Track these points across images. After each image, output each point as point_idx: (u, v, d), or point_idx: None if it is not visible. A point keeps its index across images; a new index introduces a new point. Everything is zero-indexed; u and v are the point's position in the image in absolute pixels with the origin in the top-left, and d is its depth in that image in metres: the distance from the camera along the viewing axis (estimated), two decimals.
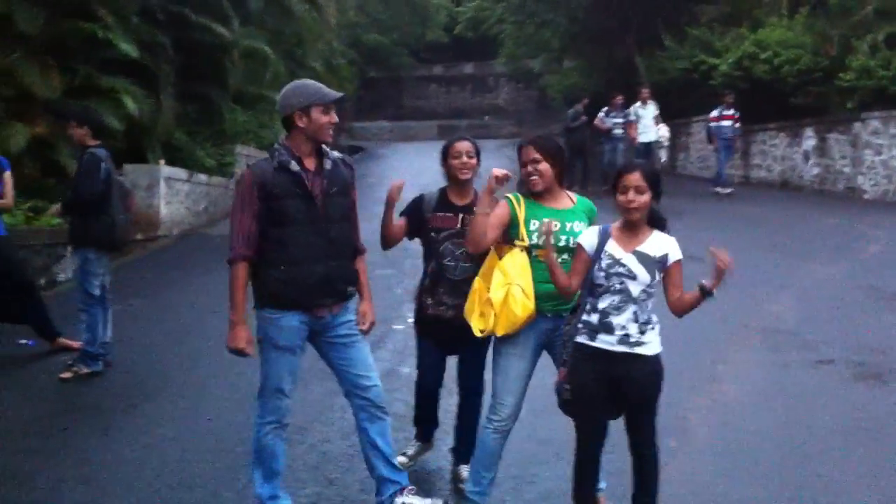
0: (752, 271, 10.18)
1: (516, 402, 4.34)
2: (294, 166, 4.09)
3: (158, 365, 7.20)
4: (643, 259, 3.95)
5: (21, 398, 6.44)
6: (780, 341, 7.71)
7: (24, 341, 7.64)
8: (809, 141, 17.20)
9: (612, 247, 3.99)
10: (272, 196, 4.05)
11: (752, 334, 7.94)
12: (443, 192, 4.85)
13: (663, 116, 17.71)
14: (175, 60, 15.10)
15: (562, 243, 4.20)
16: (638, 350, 3.96)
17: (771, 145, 18.46)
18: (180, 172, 14.71)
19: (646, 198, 3.93)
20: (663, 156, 18.40)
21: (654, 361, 4.02)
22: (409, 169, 21.28)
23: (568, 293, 4.11)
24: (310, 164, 4.17)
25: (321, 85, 4.25)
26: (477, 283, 4.36)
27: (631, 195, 3.92)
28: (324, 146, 4.23)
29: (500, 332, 4.22)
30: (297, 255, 4.11)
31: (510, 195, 4.34)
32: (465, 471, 4.85)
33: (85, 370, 6.80)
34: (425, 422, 5.16)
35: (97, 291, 6.84)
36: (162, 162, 14.14)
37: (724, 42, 19.24)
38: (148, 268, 11.61)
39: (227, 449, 5.41)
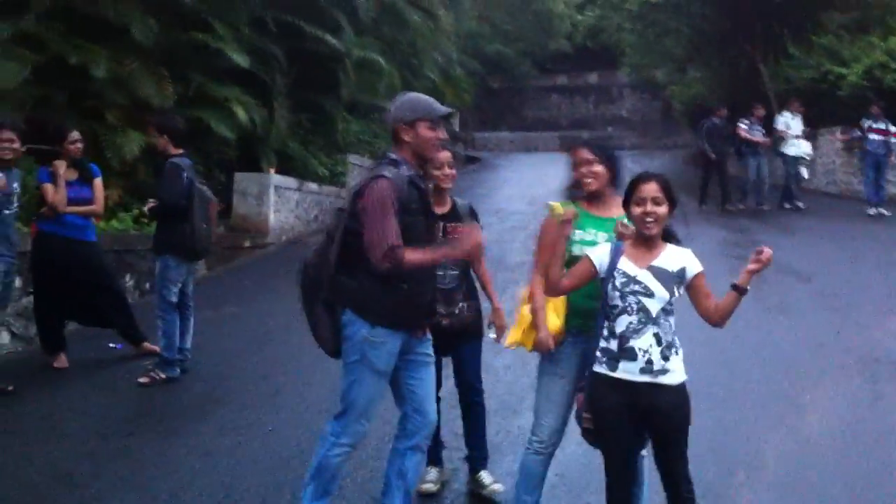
0: (862, 292, 9.67)
1: (557, 424, 4.20)
2: (422, 183, 4.08)
3: (234, 373, 7.30)
4: (659, 274, 3.74)
5: (98, 401, 6.61)
6: (878, 372, 7.21)
7: (112, 345, 7.84)
8: None
9: (626, 264, 3.80)
10: (406, 210, 3.94)
11: (848, 362, 7.47)
12: None
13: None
14: (288, 71, 15.37)
15: None
16: (662, 380, 3.73)
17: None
18: (290, 181, 14.95)
19: (664, 209, 3.75)
20: (805, 173, 17.44)
21: (680, 391, 3.78)
22: (521, 181, 21.15)
23: (556, 291, 3.96)
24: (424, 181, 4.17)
25: (431, 99, 4.18)
26: (522, 294, 4.37)
27: (649, 207, 3.73)
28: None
29: (529, 348, 4.21)
30: (420, 275, 4.03)
31: (557, 202, 4.15)
32: (485, 476, 4.90)
33: (162, 376, 6.92)
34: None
35: (174, 298, 6.96)
36: (272, 170, 14.40)
37: (853, 50, 18.33)
38: (249, 275, 11.81)
39: (279, 463, 5.41)
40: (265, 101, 14.56)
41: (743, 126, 16.69)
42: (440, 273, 4.59)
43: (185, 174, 6.86)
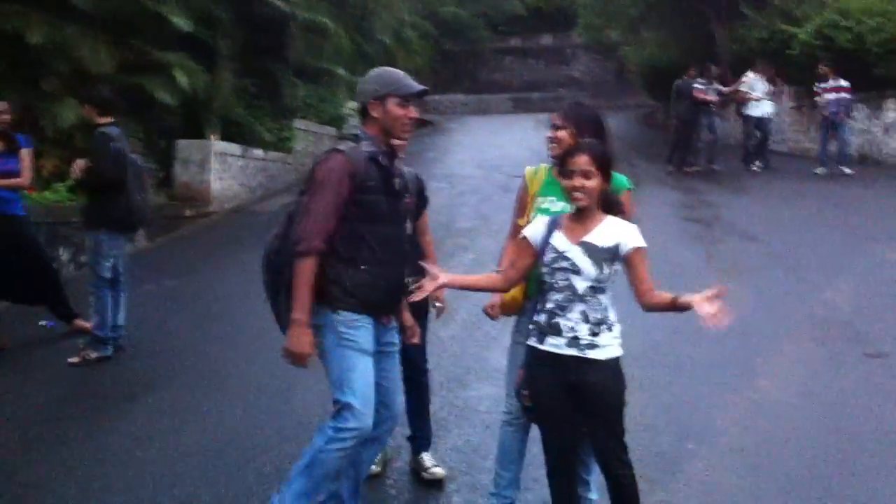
0: (809, 252, 9.63)
1: None
2: (383, 160, 3.78)
3: (172, 351, 7.02)
4: (589, 250, 3.55)
5: (28, 383, 6.33)
6: (829, 333, 7.15)
7: (43, 323, 7.55)
8: (891, 113, 16.18)
9: (558, 238, 3.62)
10: (364, 189, 3.69)
11: (800, 324, 7.39)
12: None
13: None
14: (234, 35, 14.94)
15: None
16: (590, 354, 3.55)
17: (850, 117, 17.46)
18: (234, 147, 14.60)
19: (594, 182, 3.54)
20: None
21: (611, 366, 3.59)
22: (473, 144, 20.96)
23: (509, 286, 3.83)
24: (389, 159, 3.86)
25: (404, 75, 3.91)
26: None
27: (577, 180, 3.54)
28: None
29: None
30: (383, 256, 3.77)
31: (531, 168, 4.15)
32: (426, 459, 4.75)
33: (94, 355, 6.66)
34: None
35: (108, 274, 6.68)
36: (214, 137, 14.04)
37: (805, 9, 18.27)
38: (190, 245, 11.52)
39: (216, 448, 5.17)
40: (210, 67, 14.16)
41: (698, 86, 16.56)
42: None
43: (114, 144, 6.53)
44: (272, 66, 16.09)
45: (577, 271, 3.53)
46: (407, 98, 3.81)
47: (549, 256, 3.60)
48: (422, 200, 4.68)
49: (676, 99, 16.72)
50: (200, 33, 13.60)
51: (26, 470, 4.87)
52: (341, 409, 3.68)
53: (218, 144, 14.05)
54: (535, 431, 4.73)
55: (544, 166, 4.11)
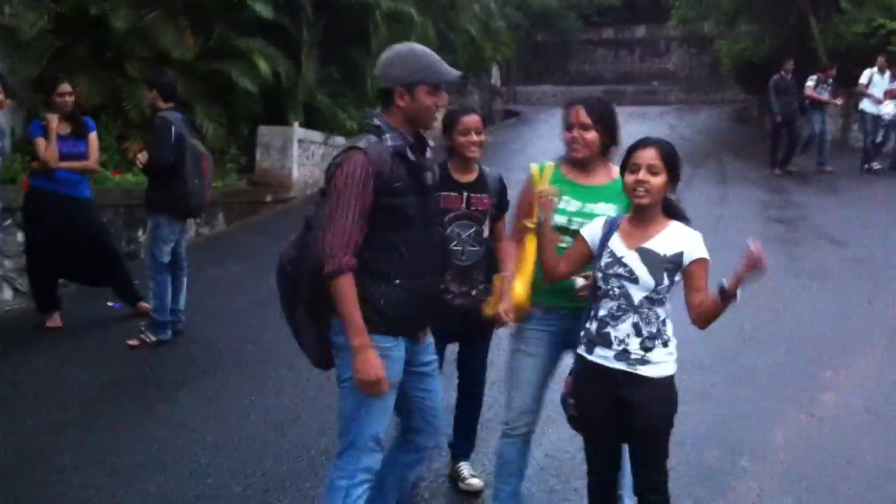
0: (894, 260, 9.11)
1: (527, 405, 3.83)
2: (410, 154, 3.29)
3: (227, 336, 7.03)
4: (648, 258, 3.29)
5: (82, 364, 6.38)
6: None
7: (110, 304, 7.63)
8: None
9: (616, 242, 3.38)
10: (392, 191, 3.22)
11: (876, 335, 7.02)
12: (443, 167, 4.20)
13: (839, 84, 16.18)
14: (316, 22, 14.98)
15: (573, 226, 3.64)
16: (641, 370, 3.31)
17: None
18: (315, 135, 14.64)
19: (660, 180, 3.27)
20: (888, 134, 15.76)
21: (663, 385, 3.34)
22: (558, 136, 20.60)
23: (552, 277, 3.58)
24: (417, 151, 3.38)
25: (436, 58, 3.36)
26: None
27: (642, 174, 3.27)
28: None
29: (489, 311, 3.90)
30: (418, 266, 3.33)
31: (537, 165, 3.80)
32: (464, 468, 4.57)
33: (152, 339, 6.69)
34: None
35: (166, 259, 6.70)
36: (296, 124, 14.08)
37: None
38: (264, 230, 11.51)
39: (253, 439, 5.13)
40: (292, 54, 14.22)
41: (810, 84, 15.75)
42: (458, 248, 4.17)
43: (174, 129, 6.54)
44: (355, 54, 16.06)
45: (633, 279, 3.29)
46: (438, 86, 3.31)
47: (604, 261, 3.36)
48: (502, 203, 4.33)
49: (775, 96, 15.70)
50: (282, 20, 13.65)
51: (59, 455, 4.87)
52: (344, 453, 3.39)
53: (299, 131, 14.10)
54: (545, 445, 4.60)
55: (551, 164, 3.81)
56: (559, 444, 4.92)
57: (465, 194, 4.21)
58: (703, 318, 3.30)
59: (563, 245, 3.61)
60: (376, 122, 3.33)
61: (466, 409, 4.58)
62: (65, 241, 7.02)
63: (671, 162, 3.30)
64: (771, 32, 22.74)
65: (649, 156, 3.28)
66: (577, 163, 3.74)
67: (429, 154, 3.45)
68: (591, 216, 3.60)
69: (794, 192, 13.86)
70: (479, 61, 25.00)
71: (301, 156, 14.17)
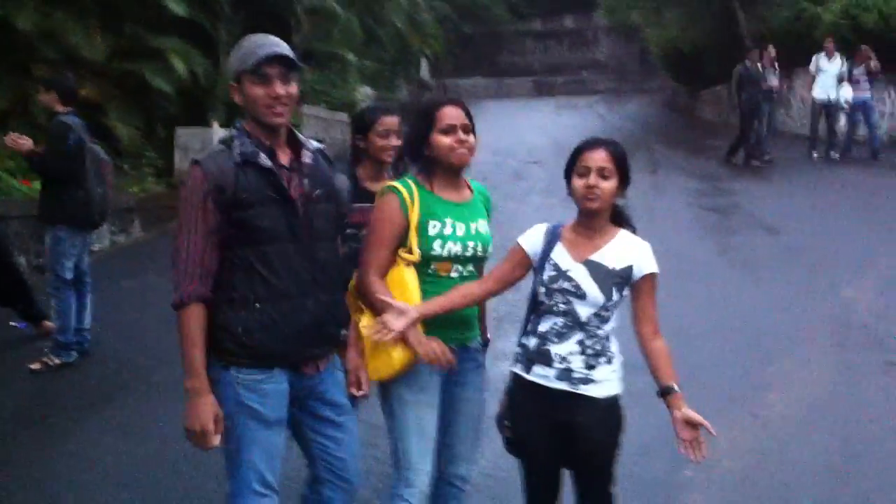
0: (831, 248, 9.02)
1: (431, 462, 3.21)
2: (264, 160, 2.83)
3: (139, 356, 6.54)
4: (597, 271, 2.98)
5: None
6: (848, 337, 6.60)
7: (14, 324, 7.14)
8: None
9: (560, 254, 3.04)
10: (237, 203, 2.79)
11: (817, 327, 6.84)
12: (353, 177, 3.79)
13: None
14: (235, 19, 14.55)
15: (468, 252, 3.17)
16: (583, 390, 3.00)
17: (878, 100, 16.73)
18: None
19: (611, 184, 2.96)
20: (843, 120, 15.39)
21: (607, 405, 3.04)
22: (489, 130, 20.29)
23: (481, 300, 3.23)
24: (283, 156, 2.93)
25: (260, 42, 2.87)
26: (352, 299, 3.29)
27: (593, 178, 2.94)
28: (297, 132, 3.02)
29: (373, 377, 3.18)
30: (280, 287, 2.85)
31: (398, 184, 3.18)
32: None
33: (56, 361, 6.23)
34: None
35: (68, 275, 6.24)
36: (216, 124, 13.60)
37: None
38: None
39: (166, 470, 4.70)
40: (210, 52, 13.78)
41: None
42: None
43: (72, 133, 6.09)
44: None
45: (580, 295, 2.98)
46: (262, 73, 2.79)
47: (548, 274, 3.03)
48: None
49: (739, 87, 15.29)
50: (198, 17, 13.21)
51: None
52: (231, 494, 2.96)
53: (219, 131, 13.60)
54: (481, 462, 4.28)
55: (411, 181, 3.19)
56: (495, 460, 4.60)
57: None
58: (643, 345, 3.07)
59: (454, 275, 3.16)
60: (233, 129, 2.91)
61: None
62: None
63: (622, 164, 3.01)
64: (697, 20, 22.82)
65: (600, 158, 2.97)
66: (445, 177, 3.21)
67: (307, 158, 2.96)
68: (479, 237, 3.20)
69: (726, 179, 13.79)
70: (406, 55, 24.73)
71: None
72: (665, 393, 3.01)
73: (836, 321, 6.91)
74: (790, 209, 11.25)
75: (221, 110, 14.21)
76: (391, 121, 3.80)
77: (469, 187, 3.31)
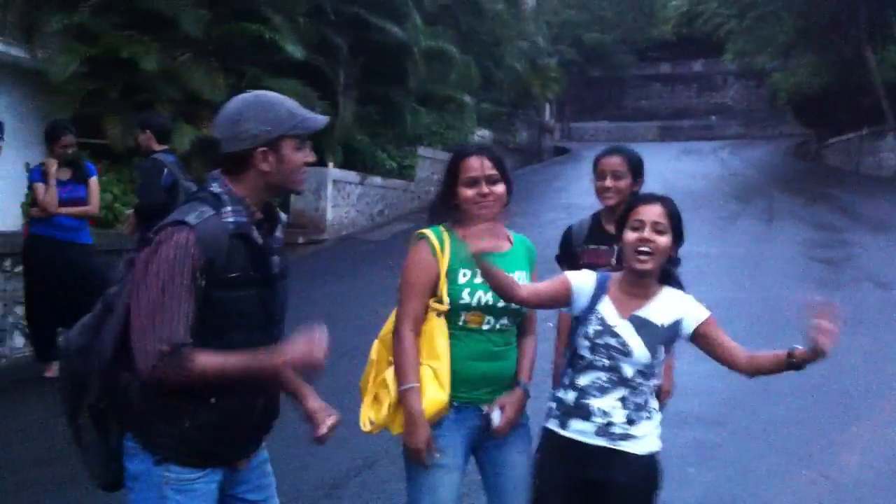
0: None
1: None
2: (256, 236, 2.54)
3: None
4: (643, 328, 2.91)
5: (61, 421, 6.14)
6: None
7: None
8: None
9: (608, 308, 2.96)
10: (223, 282, 2.45)
11: None
12: (596, 218, 3.82)
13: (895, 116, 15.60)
14: (353, 62, 14.97)
15: (501, 303, 3.02)
16: (623, 446, 2.92)
17: None
18: (351, 175, 14.55)
19: (665, 240, 2.90)
20: None
21: (647, 464, 2.95)
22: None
23: (514, 300, 2.99)
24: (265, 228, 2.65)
25: (294, 103, 2.66)
26: (375, 349, 3.21)
27: (647, 233, 2.88)
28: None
29: (395, 432, 3.04)
30: (248, 380, 2.52)
31: (429, 231, 3.11)
32: None
33: None
34: None
35: None
36: (331, 164, 14.02)
37: None
38: (293, 273, 11.32)
39: None
40: (328, 94, 14.17)
41: None
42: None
43: (167, 171, 6.39)
44: (393, 94, 15.98)
45: (626, 353, 2.91)
46: (305, 138, 2.61)
47: (593, 328, 2.95)
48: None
49: None
50: (316, 61, 13.61)
51: None
52: None
53: (334, 172, 14.04)
54: None
55: (444, 229, 3.13)
56: None
57: (617, 248, 3.56)
58: (754, 369, 2.91)
59: (486, 327, 3.06)
60: (215, 188, 2.53)
61: None
62: (64, 289, 6.89)
63: (677, 221, 2.95)
64: (826, 63, 22.22)
65: (655, 212, 2.92)
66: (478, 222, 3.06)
67: (278, 232, 2.70)
68: None
69: (843, 230, 13.30)
70: (526, 98, 24.84)
71: (336, 196, 14.09)
72: (791, 357, 2.80)
73: None
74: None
75: (338, 151, 14.63)
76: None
77: (509, 238, 3.23)
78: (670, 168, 22.39)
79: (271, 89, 8.86)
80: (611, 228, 3.65)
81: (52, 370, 6.98)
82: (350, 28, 14.61)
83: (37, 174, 6.86)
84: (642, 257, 2.89)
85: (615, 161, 3.73)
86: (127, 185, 10.36)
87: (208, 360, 2.39)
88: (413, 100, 16.75)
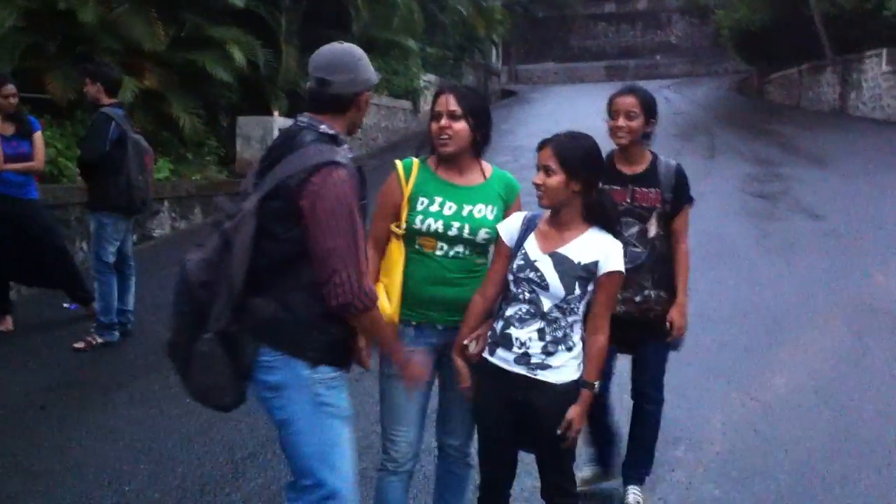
0: (877, 232, 8.91)
1: (411, 435, 3.38)
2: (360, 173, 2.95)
3: None
4: (561, 264, 3.10)
5: (26, 368, 6.28)
6: (870, 322, 6.61)
7: (66, 305, 7.53)
8: None
9: (531, 244, 3.17)
10: (361, 211, 2.88)
11: (839, 311, 6.86)
12: (609, 158, 3.86)
13: (835, 51, 15.77)
14: (295, 8, 14.85)
15: (452, 232, 3.27)
16: (540, 375, 3.12)
17: None
18: None
19: (554, 181, 3.08)
20: None
21: (563, 391, 3.14)
22: (552, 115, 20.43)
23: (488, 311, 3.29)
24: None
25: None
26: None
27: (539, 177, 3.11)
28: None
29: None
30: None
31: (401, 161, 3.40)
32: (632, 494, 4.14)
33: (98, 340, 6.59)
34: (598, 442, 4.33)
35: (111, 258, 6.59)
36: (276, 113, 13.96)
37: None
38: None
39: (183, 439, 5.03)
40: (270, 42, 14.08)
41: None
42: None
43: (114, 124, 6.42)
44: (336, 40, 15.81)
45: (544, 286, 3.10)
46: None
47: (517, 262, 3.16)
48: (679, 198, 3.91)
49: None
50: (257, 8, 13.51)
51: None
52: (326, 497, 2.93)
53: (279, 120, 13.96)
54: None
55: (417, 160, 3.40)
56: None
57: (631, 188, 3.89)
58: (588, 337, 3.19)
59: (438, 252, 3.29)
60: (327, 129, 2.90)
61: (639, 422, 4.15)
62: (13, 244, 6.93)
63: (569, 161, 3.08)
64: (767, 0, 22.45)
65: (544, 156, 3.12)
66: (449, 160, 3.34)
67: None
68: (471, 220, 3.29)
69: (781, 164, 13.64)
70: (472, 41, 24.80)
71: None
72: (583, 385, 3.13)
73: (860, 307, 6.92)
74: (842, 195, 11.12)
75: (283, 98, 14.57)
76: (626, 101, 3.82)
77: (483, 172, 3.40)
78: None
79: (213, 37, 8.83)
80: (623, 168, 3.90)
81: (6, 322, 7.07)
82: None
83: None
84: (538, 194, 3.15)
85: (629, 101, 3.82)
86: (70, 139, 10.28)
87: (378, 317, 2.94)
88: (357, 46, 16.64)
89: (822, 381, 5.60)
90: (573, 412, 3.09)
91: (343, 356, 2.97)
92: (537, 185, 3.12)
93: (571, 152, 3.11)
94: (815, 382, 5.59)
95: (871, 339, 6.26)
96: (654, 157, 3.94)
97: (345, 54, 3.01)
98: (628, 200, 3.87)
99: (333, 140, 2.89)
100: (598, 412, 4.05)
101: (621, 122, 3.80)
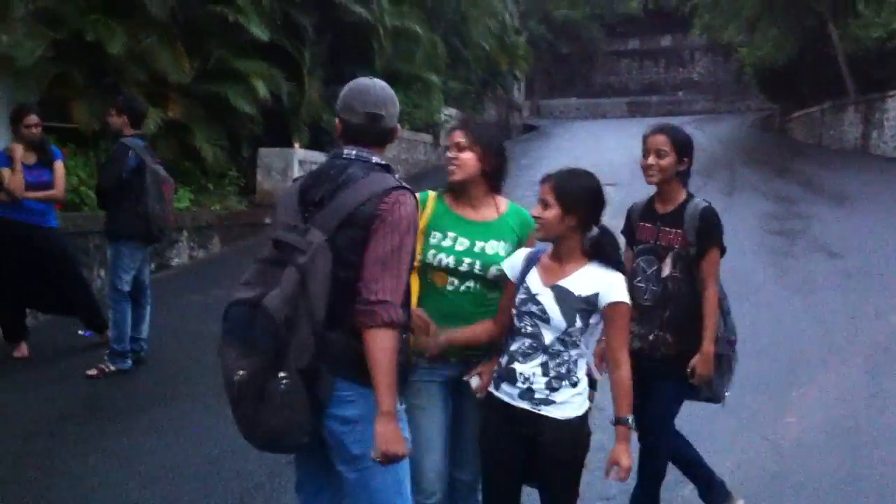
0: (891, 273, 8.84)
1: (440, 466, 3.38)
2: None
3: (193, 365, 6.89)
4: (562, 297, 3.13)
5: (40, 395, 6.31)
6: (884, 363, 6.56)
7: (81, 332, 7.59)
8: None
9: (533, 278, 3.20)
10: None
11: (855, 352, 6.80)
12: (651, 198, 3.99)
13: (858, 90, 15.78)
14: (319, 42, 15.00)
15: (463, 267, 3.33)
16: (543, 410, 3.13)
17: None
18: (317, 156, 14.58)
19: (549, 214, 3.12)
20: None
21: (568, 426, 3.14)
22: (573, 150, 20.48)
23: (500, 337, 3.33)
24: None
25: None
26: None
27: (537, 210, 3.17)
28: None
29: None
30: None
31: (416, 196, 3.24)
32: None
33: (112, 368, 6.63)
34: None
35: (126, 287, 6.64)
36: (297, 145, 14.10)
37: None
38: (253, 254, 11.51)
39: (196, 467, 5.05)
40: (294, 75, 14.24)
41: None
42: (641, 285, 3.83)
43: (132, 154, 6.51)
44: (360, 73, 15.90)
45: (545, 319, 3.14)
46: None
47: (519, 297, 3.20)
48: (703, 241, 3.82)
49: None
50: (281, 41, 13.67)
51: None
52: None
53: (300, 152, 14.10)
54: None
55: (433, 193, 3.49)
56: None
57: (659, 226, 3.89)
58: (610, 373, 3.23)
59: (450, 287, 3.36)
60: (376, 159, 2.99)
61: (643, 470, 4.05)
62: (31, 271, 7.01)
63: (565, 195, 3.13)
64: (791, 38, 22.47)
65: (544, 190, 3.17)
66: (460, 191, 3.43)
67: None
68: (483, 256, 3.34)
69: (800, 202, 13.59)
70: (494, 76, 24.95)
71: None
72: (617, 422, 3.14)
73: (876, 347, 6.87)
74: (861, 233, 11.07)
75: (304, 131, 14.72)
76: (657, 139, 3.86)
77: (498, 208, 3.44)
78: (638, 144, 22.59)
79: (238, 70, 8.94)
80: (658, 206, 3.92)
81: (21, 349, 7.13)
82: (315, 8, 14.62)
83: (2, 159, 6.95)
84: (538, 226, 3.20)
85: (659, 139, 3.84)
86: (93, 168, 10.40)
87: (393, 344, 2.77)
88: (379, 79, 16.79)
89: (836, 422, 5.55)
90: (617, 452, 3.10)
91: (402, 385, 2.93)
92: (535, 218, 3.17)
93: (569, 188, 3.16)
94: (829, 423, 5.54)
95: (886, 379, 6.20)
96: (688, 197, 3.90)
97: (387, 89, 3.13)
98: (654, 241, 3.88)
99: (387, 170, 2.98)
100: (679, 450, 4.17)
101: (651, 160, 3.82)
